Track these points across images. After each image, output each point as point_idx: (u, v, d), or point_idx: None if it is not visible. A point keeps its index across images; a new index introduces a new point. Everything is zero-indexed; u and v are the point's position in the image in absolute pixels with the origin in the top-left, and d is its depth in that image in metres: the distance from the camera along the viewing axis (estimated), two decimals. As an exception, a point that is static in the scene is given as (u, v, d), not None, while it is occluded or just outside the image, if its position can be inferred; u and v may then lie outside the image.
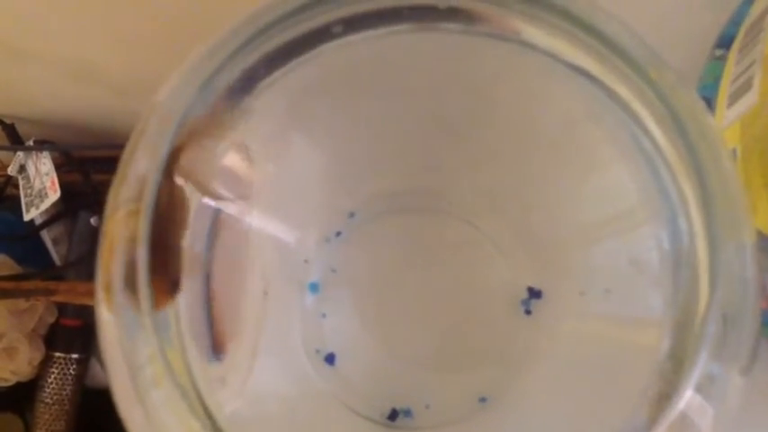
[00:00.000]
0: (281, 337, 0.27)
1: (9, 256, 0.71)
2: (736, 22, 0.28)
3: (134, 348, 0.17)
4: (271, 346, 0.26)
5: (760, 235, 0.22)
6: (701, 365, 0.17)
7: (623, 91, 0.20)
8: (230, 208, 0.24)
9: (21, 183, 0.67)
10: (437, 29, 0.22)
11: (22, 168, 0.67)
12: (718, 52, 0.27)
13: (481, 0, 0.20)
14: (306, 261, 0.27)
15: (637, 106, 0.19)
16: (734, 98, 0.23)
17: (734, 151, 0.22)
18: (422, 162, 0.27)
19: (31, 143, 0.67)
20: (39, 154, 0.65)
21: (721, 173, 0.17)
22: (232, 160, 0.22)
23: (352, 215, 0.27)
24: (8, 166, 0.69)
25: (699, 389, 0.17)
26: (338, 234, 0.27)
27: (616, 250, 0.23)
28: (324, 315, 0.27)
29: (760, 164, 0.21)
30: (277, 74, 0.22)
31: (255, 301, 0.26)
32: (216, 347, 0.24)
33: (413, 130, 0.26)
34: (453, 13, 0.21)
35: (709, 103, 0.27)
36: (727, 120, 0.23)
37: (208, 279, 0.23)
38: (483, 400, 0.25)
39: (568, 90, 0.21)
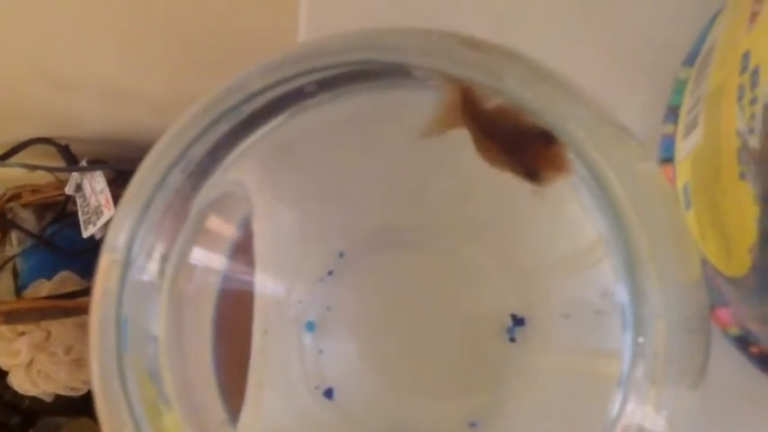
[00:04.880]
0: (282, 375, 0.28)
1: (72, 271, 0.75)
2: (701, 39, 0.29)
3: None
4: (273, 383, 0.28)
5: (709, 262, 0.23)
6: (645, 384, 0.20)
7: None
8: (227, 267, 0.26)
9: (78, 201, 0.70)
10: (404, 85, 0.23)
11: (79, 187, 0.70)
12: (683, 74, 0.28)
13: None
14: (300, 302, 0.28)
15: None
16: (687, 131, 0.24)
17: (686, 187, 0.24)
18: (405, 200, 0.28)
19: (84, 163, 0.70)
20: (93, 173, 0.68)
21: (648, 227, 0.19)
22: (213, 223, 0.24)
23: (341, 255, 0.28)
24: (65, 184, 0.72)
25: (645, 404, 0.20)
26: (330, 273, 0.29)
27: (587, 282, 0.24)
28: (321, 351, 0.28)
29: (705, 203, 0.22)
30: (256, 134, 0.24)
31: (257, 340, 0.27)
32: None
33: (394, 173, 0.27)
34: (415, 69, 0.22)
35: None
36: (682, 152, 0.24)
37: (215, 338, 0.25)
38: (473, 425, 0.27)
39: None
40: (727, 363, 0.27)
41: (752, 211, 0.19)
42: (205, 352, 0.25)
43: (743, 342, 0.26)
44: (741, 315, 0.24)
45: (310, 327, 0.28)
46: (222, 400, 0.25)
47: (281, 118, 0.24)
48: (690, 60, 0.28)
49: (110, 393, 0.21)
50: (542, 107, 0.21)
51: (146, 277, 0.22)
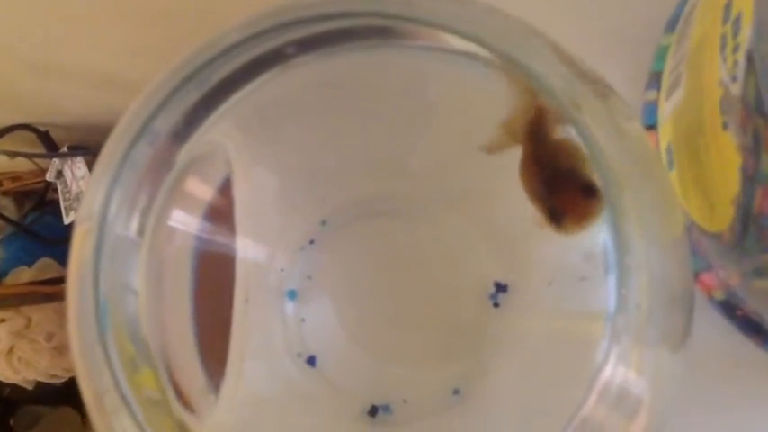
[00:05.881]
0: (264, 343, 0.28)
1: (53, 258, 0.74)
2: (681, 5, 0.29)
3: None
4: (255, 351, 0.28)
5: (694, 224, 0.23)
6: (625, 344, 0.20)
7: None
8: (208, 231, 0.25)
9: (59, 188, 0.69)
10: (385, 45, 0.23)
11: (60, 174, 0.69)
12: (665, 41, 0.28)
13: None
14: (282, 270, 0.28)
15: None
16: (669, 91, 0.24)
17: (668, 147, 0.24)
18: (387, 169, 0.28)
19: (65, 149, 0.69)
20: (74, 159, 0.67)
21: (631, 183, 0.19)
22: (192, 185, 0.23)
23: (323, 223, 0.28)
24: (46, 171, 0.71)
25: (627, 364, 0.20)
26: (312, 242, 0.28)
27: (570, 246, 0.24)
28: (303, 320, 0.28)
29: (687, 160, 0.22)
30: (235, 96, 0.23)
31: (238, 308, 0.27)
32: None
33: (376, 140, 0.27)
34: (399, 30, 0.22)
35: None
36: (664, 113, 0.24)
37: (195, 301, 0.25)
38: (457, 392, 0.27)
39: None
40: (713, 328, 0.27)
41: (735, 161, 0.18)
42: (185, 316, 0.24)
43: (728, 306, 0.26)
44: (724, 274, 0.24)
45: (292, 295, 0.28)
46: (203, 366, 0.25)
47: (261, 79, 0.23)
48: (671, 26, 0.28)
49: (91, 362, 0.21)
50: (526, 63, 0.21)
51: (126, 233, 0.22)
